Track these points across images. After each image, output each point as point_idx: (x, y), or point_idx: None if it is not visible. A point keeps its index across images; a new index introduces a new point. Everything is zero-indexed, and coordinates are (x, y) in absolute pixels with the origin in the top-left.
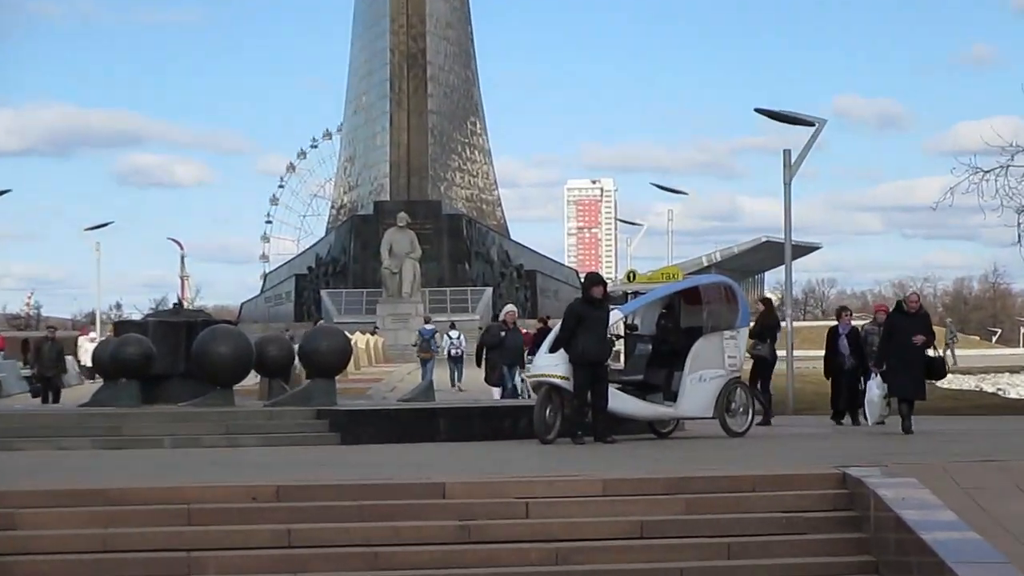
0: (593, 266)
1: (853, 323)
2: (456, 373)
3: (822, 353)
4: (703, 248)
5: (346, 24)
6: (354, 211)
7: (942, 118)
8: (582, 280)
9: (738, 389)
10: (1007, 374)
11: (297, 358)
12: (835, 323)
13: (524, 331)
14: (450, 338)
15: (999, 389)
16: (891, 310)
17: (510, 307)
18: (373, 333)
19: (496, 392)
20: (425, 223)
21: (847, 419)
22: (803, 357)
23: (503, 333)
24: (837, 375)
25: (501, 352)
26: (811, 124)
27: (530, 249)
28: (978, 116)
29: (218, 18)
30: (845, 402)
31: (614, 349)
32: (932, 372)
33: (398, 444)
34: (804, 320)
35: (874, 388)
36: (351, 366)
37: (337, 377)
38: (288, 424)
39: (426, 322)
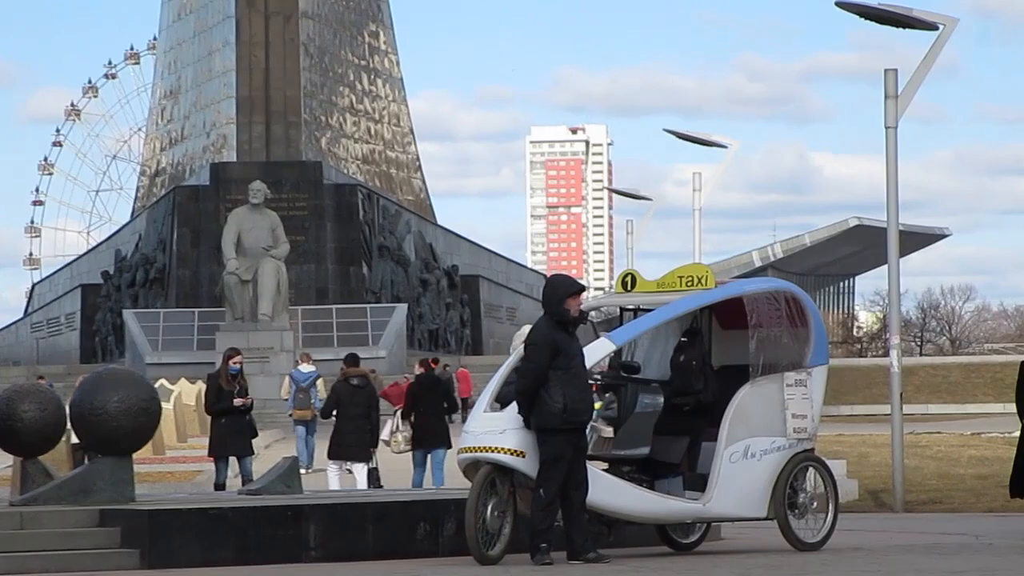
0: (575, 269)
1: None
2: None
3: (951, 409)
4: (755, 237)
5: None
6: (179, 181)
7: None
8: (545, 287)
9: (810, 470)
10: None
11: (69, 424)
12: None
13: (394, 383)
14: None
15: None
16: None
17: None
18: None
19: (334, 475)
20: (297, 199)
21: None
22: (921, 416)
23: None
24: None
25: None
26: (932, 27)
27: (470, 241)
28: None
29: None
30: None
31: (600, 407)
32: None
33: (239, 567)
34: (922, 355)
35: None
36: (170, 435)
37: (138, 455)
38: (52, 535)
39: (303, 361)
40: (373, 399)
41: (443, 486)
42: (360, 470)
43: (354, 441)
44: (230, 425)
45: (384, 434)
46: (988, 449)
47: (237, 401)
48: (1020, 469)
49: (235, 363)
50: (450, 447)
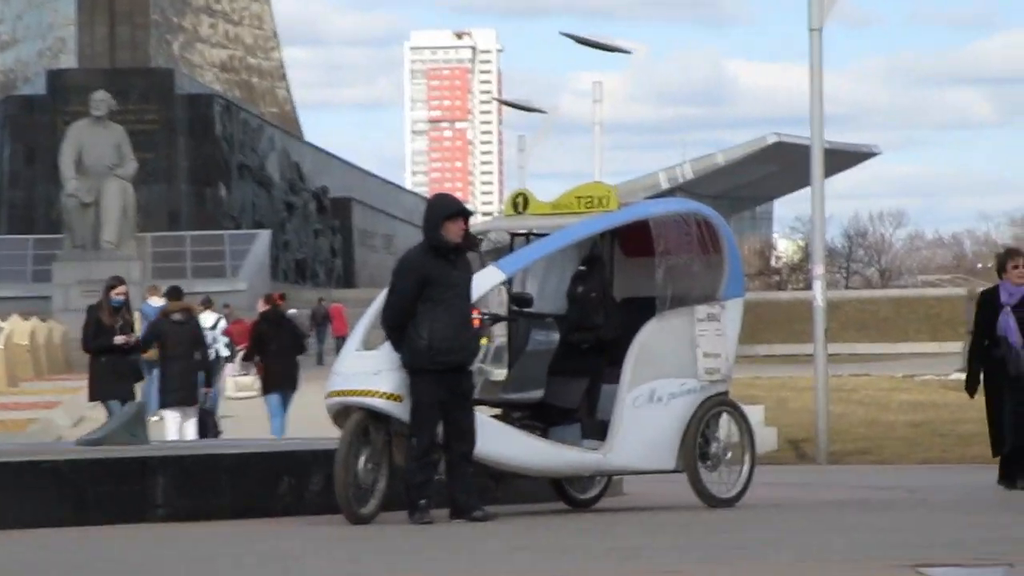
0: (460, 191)
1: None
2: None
3: (881, 348)
4: (663, 156)
5: None
6: (10, 90)
7: None
8: (425, 210)
9: (723, 416)
10: None
11: None
12: (988, 287)
13: (238, 320)
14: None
15: None
16: None
17: None
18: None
19: (172, 424)
20: (145, 110)
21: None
22: (848, 357)
23: None
24: (1001, 387)
25: None
26: None
27: (342, 160)
28: None
29: None
30: (1015, 439)
31: (487, 343)
32: None
33: (77, 528)
34: (848, 288)
35: None
36: None
37: None
38: None
39: (151, 294)
40: (199, 335)
41: (282, 434)
42: (189, 414)
43: (181, 384)
44: (110, 366)
45: (221, 381)
46: (922, 394)
47: (119, 339)
48: (998, 426)
49: (118, 295)
50: (296, 389)
